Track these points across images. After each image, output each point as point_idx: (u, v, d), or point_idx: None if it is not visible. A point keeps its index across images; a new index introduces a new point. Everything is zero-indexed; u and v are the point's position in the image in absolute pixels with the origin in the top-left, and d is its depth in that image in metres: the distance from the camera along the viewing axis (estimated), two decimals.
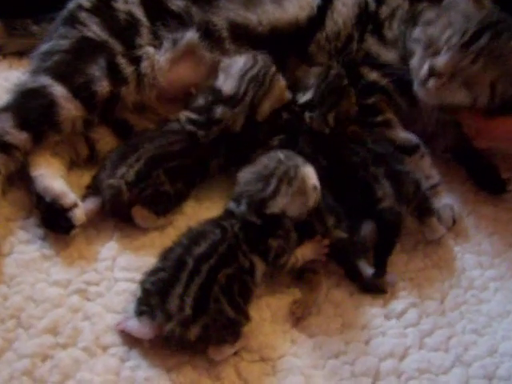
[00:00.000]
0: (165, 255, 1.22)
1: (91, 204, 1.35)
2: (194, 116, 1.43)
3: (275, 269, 1.27)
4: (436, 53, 1.43)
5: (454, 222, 1.49)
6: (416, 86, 1.47)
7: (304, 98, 1.46)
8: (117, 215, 1.37)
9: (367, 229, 1.37)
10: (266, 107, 1.43)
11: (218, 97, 1.43)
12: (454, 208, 1.50)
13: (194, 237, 1.22)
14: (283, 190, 1.24)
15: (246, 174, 1.29)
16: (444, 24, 1.45)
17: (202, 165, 1.43)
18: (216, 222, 1.25)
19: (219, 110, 1.41)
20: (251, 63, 1.45)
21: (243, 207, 1.25)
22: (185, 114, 1.44)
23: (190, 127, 1.42)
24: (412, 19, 1.56)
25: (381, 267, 1.36)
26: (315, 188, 1.27)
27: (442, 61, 1.42)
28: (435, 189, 1.51)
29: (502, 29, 1.43)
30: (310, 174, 1.27)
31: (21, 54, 1.63)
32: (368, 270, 1.35)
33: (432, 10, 1.53)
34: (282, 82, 1.45)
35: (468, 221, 1.54)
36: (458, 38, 1.41)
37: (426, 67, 1.43)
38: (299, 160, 1.28)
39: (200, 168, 1.44)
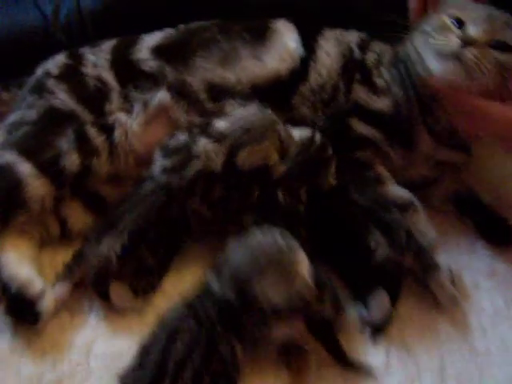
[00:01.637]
0: (143, 352, 1.14)
1: (63, 288, 1.28)
2: (167, 161, 1.34)
3: (254, 347, 1.19)
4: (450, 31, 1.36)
5: (453, 283, 1.38)
6: (441, 64, 1.37)
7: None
8: (98, 290, 1.29)
9: (376, 305, 1.30)
10: (244, 155, 1.33)
11: (205, 130, 1.36)
12: (452, 269, 1.40)
13: (170, 333, 1.13)
14: (274, 278, 1.16)
15: (237, 256, 1.19)
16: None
17: (184, 221, 1.34)
18: (190, 312, 1.16)
19: (202, 142, 1.33)
20: (253, 114, 1.37)
21: (228, 292, 1.16)
22: (158, 165, 1.35)
23: (163, 178, 1.32)
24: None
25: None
26: (307, 284, 1.18)
27: (476, 28, 1.34)
28: (429, 247, 1.40)
29: None
30: (305, 265, 1.18)
31: None
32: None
33: None
34: (276, 142, 1.36)
35: (465, 277, 1.44)
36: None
37: (454, 39, 1.34)
38: (299, 252, 1.19)
39: (182, 226, 1.35)
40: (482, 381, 1.29)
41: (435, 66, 1.39)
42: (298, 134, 1.39)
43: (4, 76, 1.57)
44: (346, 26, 1.60)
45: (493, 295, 1.43)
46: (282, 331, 1.19)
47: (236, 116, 1.38)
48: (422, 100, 1.45)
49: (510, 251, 1.50)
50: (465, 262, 1.48)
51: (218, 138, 1.34)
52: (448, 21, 1.38)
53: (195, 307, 1.16)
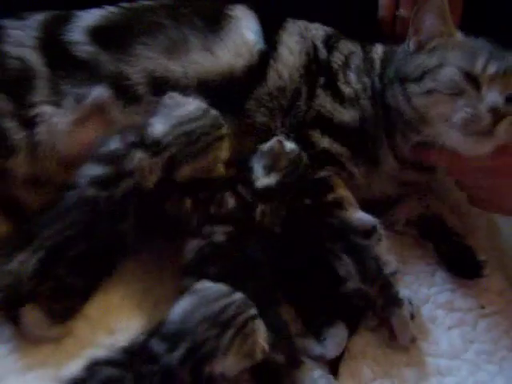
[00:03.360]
0: None
1: None
2: (96, 171, 1.14)
3: None
4: (465, 94, 1.18)
5: (412, 317, 1.26)
6: (471, 142, 1.19)
7: (266, 181, 1.20)
8: (7, 313, 1.10)
9: (334, 339, 1.17)
10: (185, 171, 1.15)
11: (143, 139, 1.15)
12: (412, 301, 1.27)
13: None
14: (236, 347, 0.98)
15: (190, 309, 1.00)
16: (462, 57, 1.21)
17: (117, 240, 1.15)
18: (126, 364, 0.97)
19: (138, 156, 1.13)
20: (197, 116, 1.17)
21: (178, 353, 0.96)
22: (84, 174, 1.15)
23: (90, 191, 1.12)
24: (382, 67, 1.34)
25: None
26: (264, 352, 1.00)
27: (495, 92, 1.17)
28: (392, 278, 1.26)
29: None
30: (262, 332, 1.00)
31: None
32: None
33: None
34: (222, 152, 1.18)
35: (423, 311, 1.33)
36: (497, 65, 1.18)
37: (485, 113, 1.15)
38: (254, 310, 1.01)
39: (114, 245, 1.16)
40: None
41: (457, 143, 1.22)
42: (289, 146, 1.23)
43: None
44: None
45: (452, 335, 1.31)
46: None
47: (174, 116, 1.17)
48: (391, 122, 1.32)
49: (468, 284, 1.38)
50: (424, 295, 1.36)
51: (154, 149, 1.14)
52: (458, 77, 1.20)
53: (139, 367, 0.97)
